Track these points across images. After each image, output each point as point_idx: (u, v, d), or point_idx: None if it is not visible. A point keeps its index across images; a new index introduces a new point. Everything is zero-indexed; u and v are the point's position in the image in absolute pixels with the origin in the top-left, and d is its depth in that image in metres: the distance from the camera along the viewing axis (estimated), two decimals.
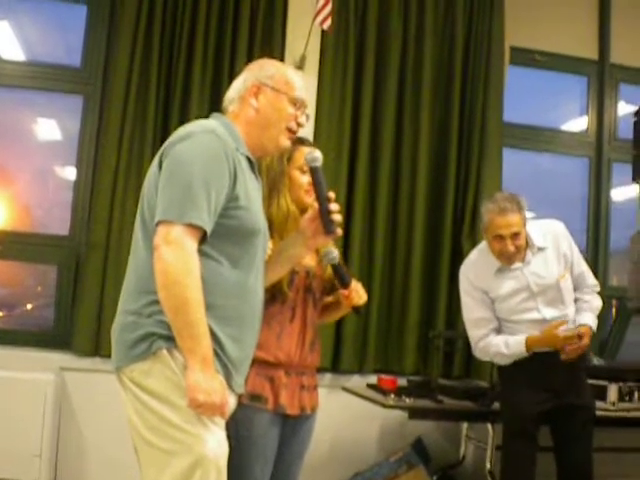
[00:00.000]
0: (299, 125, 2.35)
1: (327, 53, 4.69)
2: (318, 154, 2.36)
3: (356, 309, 2.67)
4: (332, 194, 2.31)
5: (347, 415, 4.45)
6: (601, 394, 3.98)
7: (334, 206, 2.30)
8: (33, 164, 4.83)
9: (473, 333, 3.64)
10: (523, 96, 5.25)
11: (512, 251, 3.40)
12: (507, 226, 3.35)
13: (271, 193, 2.65)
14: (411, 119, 4.77)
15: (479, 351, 3.63)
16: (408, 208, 4.72)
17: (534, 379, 3.47)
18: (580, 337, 3.38)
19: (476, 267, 3.61)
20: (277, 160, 2.66)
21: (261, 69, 2.35)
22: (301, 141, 2.71)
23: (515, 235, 3.38)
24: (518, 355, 3.48)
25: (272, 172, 2.67)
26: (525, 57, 5.25)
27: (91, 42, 4.69)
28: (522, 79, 5.23)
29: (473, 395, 4.02)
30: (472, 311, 3.62)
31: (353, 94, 4.70)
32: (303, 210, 2.67)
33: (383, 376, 4.21)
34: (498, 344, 3.51)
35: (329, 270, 2.77)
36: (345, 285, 2.63)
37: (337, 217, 2.31)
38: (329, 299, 2.84)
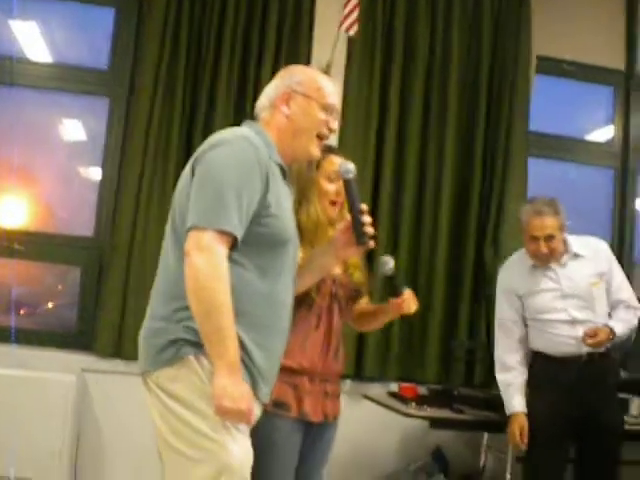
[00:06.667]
0: (330, 130, 2.35)
1: (353, 60, 4.66)
2: (352, 166, 2.35)
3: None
4: (365, 206, 2.31)
5: (367, 423, 4.41)
6: (624, 407, 3.94)
7: (367, 218, 2.30)
8: (58, 165, 4.82)
9: (498, 341, 3.72)
10: (550, 105, 5.20)
11: (545, 252, 3.50)
12: (541, 228, 3.47)
13: (301, 201, 2.64)
14: (437, 127, 4.74)
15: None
16: (432, 218, 4.69)
17: (560, 386, 3.48)
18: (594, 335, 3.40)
19: (512, 266, 3.74)
20: (307, 168, 2.66)
21: (292, 76, 2.36)
22: (330, 150, 2.71)
23: (549, 237, 3.48)
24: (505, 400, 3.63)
25: (302, 180, 2.66)
26: (552, 66, 5.19)
27: (118, 45, 4.69)
28: (549, 88, 5.18)
29: (493, 405, 3.98)
30: (500, 311, 3.71)
31: (379, 101, 4.67)
32: (329, 219, 2.67)
33: (404, 384, 4.19)
34: (505, 380, 3.64)
35: (355, 277, 2.76)
36: (398, 294, 2.65)
37: (369, 229, 2.30)
38: (374, 307, 2.86)
